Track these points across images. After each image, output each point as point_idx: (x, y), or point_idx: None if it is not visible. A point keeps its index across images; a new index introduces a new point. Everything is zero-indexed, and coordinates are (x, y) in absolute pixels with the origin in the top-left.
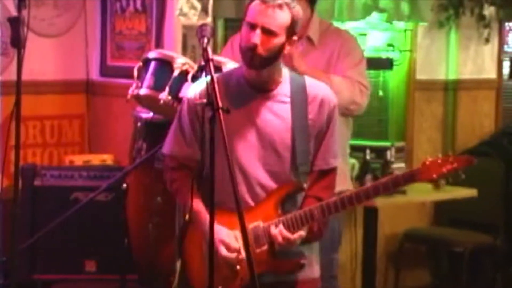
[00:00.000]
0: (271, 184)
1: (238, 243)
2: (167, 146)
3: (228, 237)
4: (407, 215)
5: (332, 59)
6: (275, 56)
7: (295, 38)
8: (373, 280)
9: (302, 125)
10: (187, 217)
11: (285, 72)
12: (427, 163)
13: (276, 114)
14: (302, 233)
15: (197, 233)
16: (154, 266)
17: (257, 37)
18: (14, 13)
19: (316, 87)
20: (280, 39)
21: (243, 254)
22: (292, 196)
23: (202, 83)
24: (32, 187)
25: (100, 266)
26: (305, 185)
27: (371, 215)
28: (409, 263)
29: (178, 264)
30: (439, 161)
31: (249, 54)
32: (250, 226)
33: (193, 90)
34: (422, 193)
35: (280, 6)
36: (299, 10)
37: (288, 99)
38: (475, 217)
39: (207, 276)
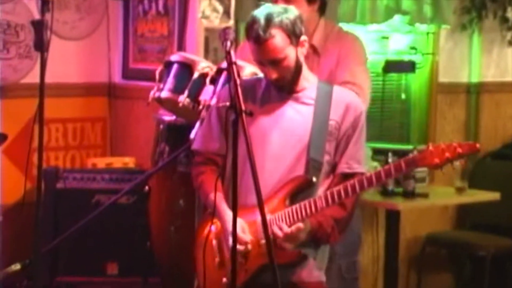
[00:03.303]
0: (283, 178)
1: (247, 236)
2: (196, 142)
3: (240, 231)
4: (429, 219)
5: (333, 67)
6: (298, 68)
7: (303, 38)
8: (395, 283)
9: (322, 124)
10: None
11: (314, 80)
12: (430, 148)
13: (298, 113)
14: (300, 225)
15: (207, 228)
16: (176, 268)
17: (272, 73)
18: (37, 16)
19: (342, 93)
20: (291, 56)
21: (249, 247)
22: (302, 190)
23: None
24: (54, 190)
25: (122, 268)
26: (314, 179)
27: (393, 218)
28: (431, 267)
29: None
30: (442, 146)
31: (276, 85)
32: (258, 219)
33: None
34: (444, 197)
35: (270, 36)
36: (288, 14)
37: (312, 102)
38: (498, 220)
39: (216, 268)
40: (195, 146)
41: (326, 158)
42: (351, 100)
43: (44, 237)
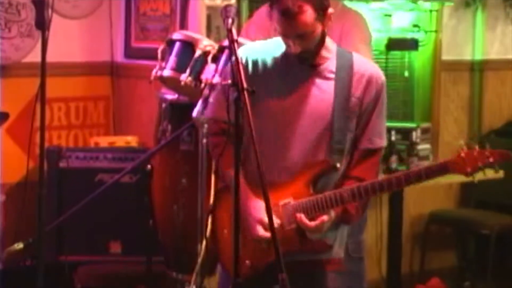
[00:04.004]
0: (306, 161)
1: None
2: (209, 110)
3: (266, 216)
4: (433, 197)
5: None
6: (322, 41)
7: (330, 10)
8: (399, 261)
9: (344, 102)
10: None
11: (333, 48)
12: (462, 154)
13: (320, 90)
14: (324, 218)
15: (226, 206)
16: (179, 247)
17: (296, 46)
18: None
19: (364, 64)
20: (318, 30)
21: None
22: (325, 175)
23: (249, 51)
24: (57, 169)
25: (125, 247)
26: (338, 165)
27: (397, 196)
28: (435, 244)
29: (202, 246)
30: (475, 153)
31: (298, 58)
32: (280, 203)
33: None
34: (448, 175)
35: (301, 10)
36: None
37: (333, 75)
38: (502, 198)
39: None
40: (208, 114)
41: (349, 136)
42: (372, 72)
43: (47, 216)
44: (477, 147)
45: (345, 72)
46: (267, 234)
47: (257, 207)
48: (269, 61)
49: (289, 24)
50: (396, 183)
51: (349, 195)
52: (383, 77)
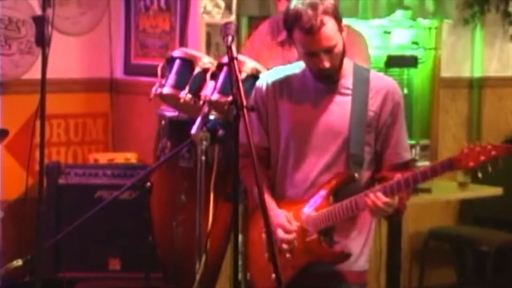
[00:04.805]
0: (326, 174)
1: (293, 225)
2: (241, 134)
3: (286, 221)
4: (432, 213)
5: None
6: (344, 55)
7: (344, 23)
8: (398, 278)
9: (361, 117)
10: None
11: (349, 65)
12: (465, 150)
13: (337, 106)
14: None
15: (258, 222)
16: (178, 263)
17: (324, 61)
18: (38, 12)
19: (380, 80)
20: (340, 41)
21: (295, 242)
22: (344, 186)
23: (269, 75)
24: (56, 185)
25: (124, 264)
26: (356, 175)
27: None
28: (434, 261)
29: (202, 261)
30: (477, 148)
31: (324, 75)
32: (303, 215)
33: (261, 80)
34: (447, 192)
35: (323, 23)
36: (328, 0)
37: (350, 92)
38: (501, 215)
39: (265, 263)
40: (240, 139)
41: (367, 149)
42: (389, 88)
43: (46, 233)
44: (479, 143)
45: (362, 88)
46: (288, 236)
47: (277, 214)
48: (289, 83)
49: (314, 39)
50: (405, 184)
51: (362, 202)
52: (400, 92)
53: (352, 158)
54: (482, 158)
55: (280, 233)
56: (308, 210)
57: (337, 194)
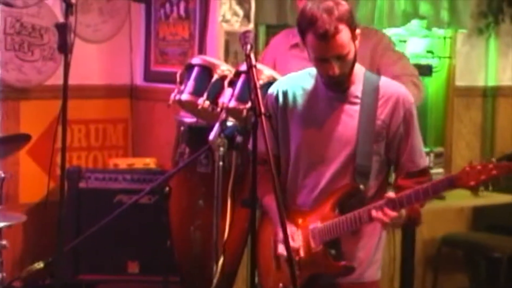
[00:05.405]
0: (334, 183)
1: (297, 243)
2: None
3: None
4: (446, 220)
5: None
6: (354, 64)
7: (358, 31)
8: (411, 283)
9: (368, 126)
10: None
11: (360, 72)
12: (467, 169)
13: (346, 115)
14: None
15: (268, 230)
16: (196, 267)
17: (335, 68)
18: (61, 19)
19: (390, 87)
20: (352, 50)
21: (301, 253)
22: (350, 197)
23: (281, 82)
24: (77, 190)
25: (143, 267)
26: (362, 187)
27: None
28: (447, 267)
29: (219, 265)
30: (479, 167)
31: (333, 82)
32: (310, 227)
33: (272, 88)
34: (460, 199)
35: (337, 30)
36: (344, 7)
37: (358, 100)
38: None
39: (274, 272)
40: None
41: (375, 159)
42: (399, 95)
43: (66, 236)
44: (478, 160)
45: (371, 96)
46: (285, 252)
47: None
48: (299, 91)
49: (327, 46)
50: (407, 201)
51: (367, 215)
52: (411, 99)
53: (358, 168)
54: (483, 177)
55: (280, 248)
56: (314, 221)
57: (342, 205)
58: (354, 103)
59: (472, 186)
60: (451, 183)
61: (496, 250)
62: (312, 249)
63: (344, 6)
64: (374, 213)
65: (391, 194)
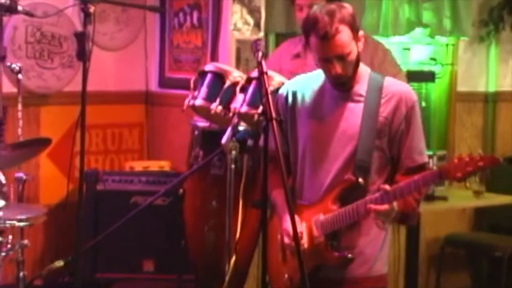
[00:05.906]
0: (339, 179)
1: (301, 234)
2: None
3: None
4: (448, 221)
5: None
6: (357, 64)
7: (361, 33)
8: (415, 282)
9: (371, 122)
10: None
11: (365, 72)
12: (455, 161)
13: (350, 112)
14: (386, 207)
15: (274, 223)
16: (209, 266)
17: (337, 68)
18: (79, 28)
19: (394, 85)
20: (354, 50)
21: (305, 245)
22: (350, 191)
23: (291, 84)
24: (95, 191)
25: (158, 266)
26: (361, 180)
27: None
28: (450, 266)
29: (231, 263)
30: (466, 159)
31: (337, 82)
32: (313, 218)
33: (282, 89)
34: (463, 200)
35: (338, 31)
36: (347, 9)
37: (362, 99)
38: None
39: (280, 264)
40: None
41: (377, 154)
42: (402, 93)
43: (84, 236)
44: (470, 153)
45: (375, 94)
46: (292, 243)
47: (287, 221)
48: (307, 92)
49: (328, 46)
50: (400, 193)
51: (363, 208)
52: (414, 97)
53: (358, 163)
54: (469, 169)
55: (285, 239)
56: (317, 214)
57: (343, 199)
58: (358, 101)
59: (459, 177)
60: (440, 174)
61: (497, 249)
62: (314, 240)
63: (347, 9)
64: (368, 205)
65: (386, 186)
